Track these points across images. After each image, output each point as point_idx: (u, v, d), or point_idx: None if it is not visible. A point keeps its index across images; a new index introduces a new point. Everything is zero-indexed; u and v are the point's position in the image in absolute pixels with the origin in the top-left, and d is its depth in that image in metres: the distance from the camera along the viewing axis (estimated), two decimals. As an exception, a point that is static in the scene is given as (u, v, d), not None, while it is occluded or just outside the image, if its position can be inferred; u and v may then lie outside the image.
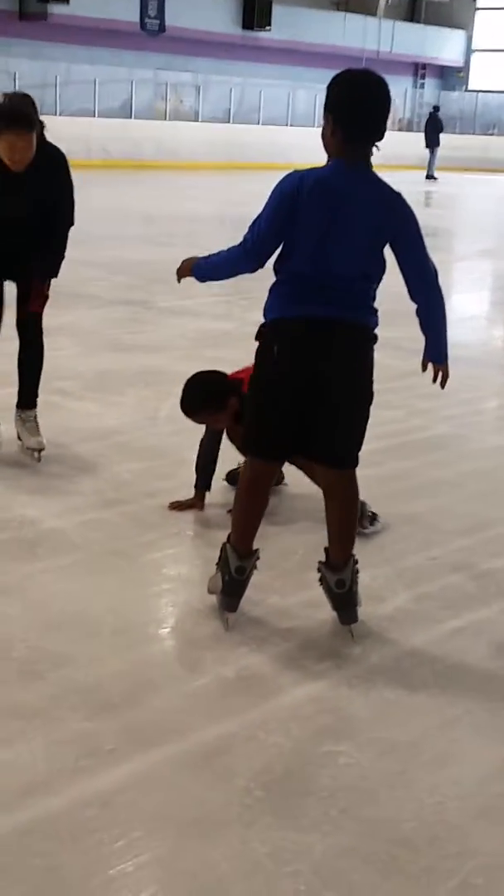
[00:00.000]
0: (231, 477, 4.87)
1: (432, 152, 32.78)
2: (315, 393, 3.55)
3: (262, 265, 3.61)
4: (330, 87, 3.55)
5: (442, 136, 32.37)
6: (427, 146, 32.77)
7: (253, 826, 2.72)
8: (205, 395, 4.69)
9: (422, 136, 33.05)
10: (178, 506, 4.76)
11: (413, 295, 3.71)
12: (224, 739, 3.09)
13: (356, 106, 3.51)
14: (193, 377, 4.80)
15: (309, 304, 3.51)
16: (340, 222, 3.48)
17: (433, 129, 32.60)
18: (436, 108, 33.87)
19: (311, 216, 3.46)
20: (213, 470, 4.76)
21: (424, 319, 3.78)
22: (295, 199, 3.47)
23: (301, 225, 3.47)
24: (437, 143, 32.65)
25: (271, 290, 3.62)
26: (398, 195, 3.58)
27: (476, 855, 2.66)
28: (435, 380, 3.84)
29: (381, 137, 3.53)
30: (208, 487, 4.77)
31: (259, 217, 3.57)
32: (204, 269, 3.80)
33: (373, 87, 3.52)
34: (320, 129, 3.61)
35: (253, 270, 3.64)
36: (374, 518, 4.64)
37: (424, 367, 3.87)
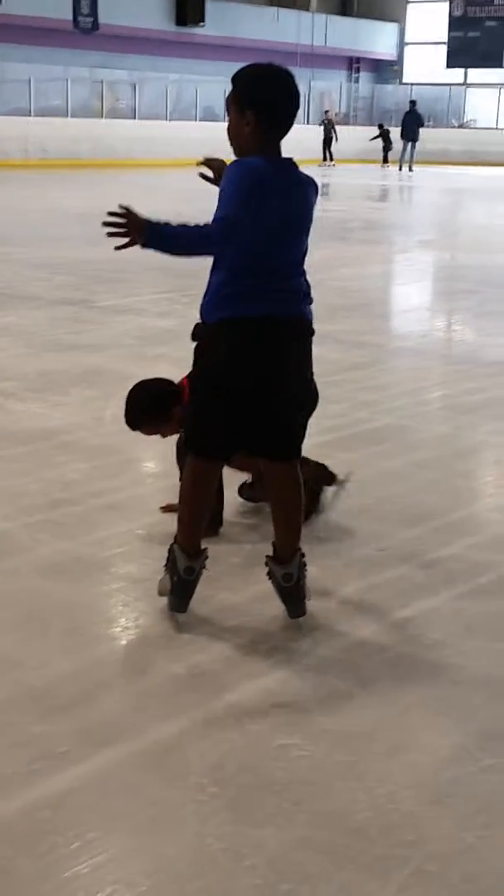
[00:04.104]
0: (242, 490, 4.74)
1: (413, 146, 33.20)
2: (263, 391, 3.56)
3: (230, 245, 3.47)
4: (246, 83, 3.54)
5: (372, 130, 32.89)
6: (405, 139, 33.17)
7: (208, 822, 2.73)
8: (145, 409, 4.54)
9: (357, 129, 33.39)
10: (169, 508, 4.51)
11: None
12: (177, 737, 3.08)
13: (280, 101, 3.54)
14: (133, 390, 4.62)
15: (262, 301, 3.51)
16: (290, 212, 3.52)
17: (413, 122, 32.99)
18: (413, 103, 34.22)
19: (267, 208, 3.45)
20: (221, 503, 4.51)
21: None
22: (260, 188, 3.44)
23: (258, 213, 3.43)
24: (417, 137, 33.09)
25: (217, 287, 3.55)
26: (315, 183, 3.68)
27: (429, 842, 2.68)
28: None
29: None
30: (220, 520, 4.51)
31: (229, 204, 3.41)
32: (161, 234, 3.38)
33: (291, 81, 3.57)
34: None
35: (213, 254, 3.53)
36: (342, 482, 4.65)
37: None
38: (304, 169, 3.68)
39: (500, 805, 2.85)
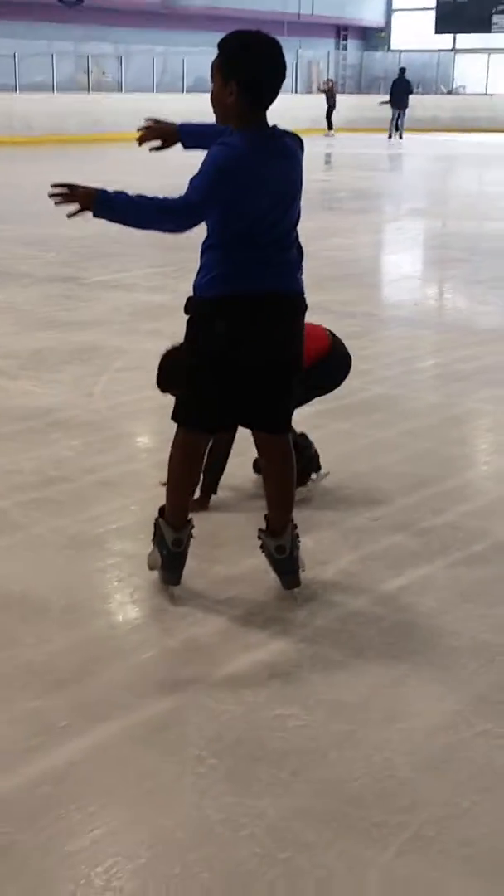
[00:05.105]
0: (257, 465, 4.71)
1: (402, 114, 33.08)
2: (258, 366, 3.57)
3: (190, 228, 3.48)
4: (231, 53, 3.50)
5: (367, 98, 32.60)
6: (394, 106, 33.02)
7: (207, 794, 2.75)
8: (178, 372, 4.53)
9: (346, 97, 33.15)
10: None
11: None
12: (174, 710, 3.11)
13: (264, 72, 3.49)
14: (166, 355, 4.53)
15: (257, 277, 3.51)
16: (280, 186, 3.50)
17: (403, 90, 32.83)
18: (402, 70, 34.02)
19: (255, 189, 3.43)
20: (221, 473, 4.55)
21: None
22: (238, 173, 3.40)
23: (248, 195, 3.42)
24: (406, 105, 32.97)
25: (212, 264, 3.54)
26: (300, 139, 3.65)
27: (426, 807, 2.71)
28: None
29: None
30: (214, 490, 4.55)
31: (199, 187, 3.40)
32: (114, 203, 3.37)
33: (276, 51, 3.51)
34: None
35: (179, 231, 3.49)
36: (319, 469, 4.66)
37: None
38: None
39: (494, 770, 2.88)
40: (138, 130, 3.93)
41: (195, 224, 3.47)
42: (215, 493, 4.53)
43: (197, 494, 4.12)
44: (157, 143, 3.96)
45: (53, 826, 2.62)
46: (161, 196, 3.41)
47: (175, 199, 3.39)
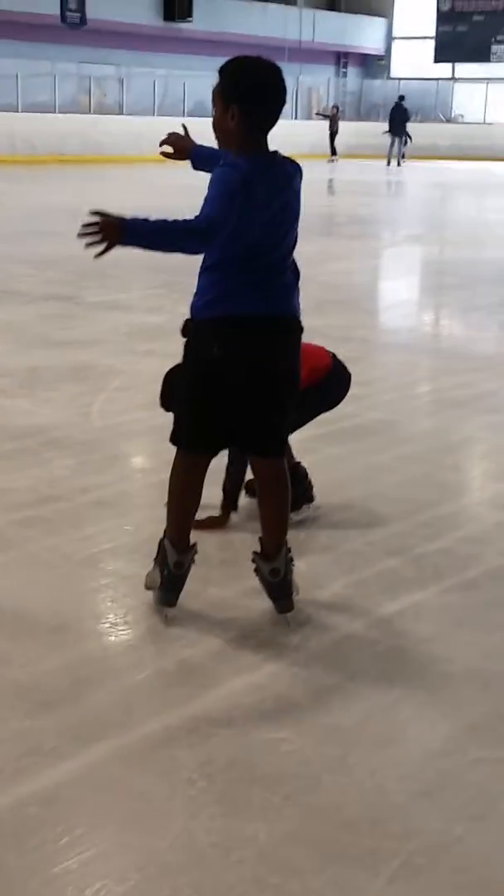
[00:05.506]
0: (249, 488, 4.62)
1: (400, 141, 33.39)
2: (254, 388, 3.57)
3: (209, 248, 3.47)
4: (232, 77, 3.51)
5: (366, 125, 32.88)
6: (393, 134, 33.31)
7: (197, 817, 2.73)
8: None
9: (347, 124, 33.40)
10: (199, 524, 4.06)
11: None
12: (166, 732, 3.08)
13: (265, 97, 3.50)
14: (170, 373, 4.49)
15: (255, 300, 3.52)
16: (280, 210, 3.52)
17: (400, 118, 33.16)
18: (401, 98, 34.31)
19: (257, 211, 3.43)
20: (240, 489, 4.54)
21: None
22: (246, 192, 3.39)
23: (250, 216, 3.42)
24: (404, 132, 33.30)
25: (209, 286, 3.55)
26: (299, 166, 3.66)
27: (418, 835, 2.69)
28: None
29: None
30: (234, 508, 4.54)
31: (214, 205, 3.38)
32: (139, 231, 3.32)
33: (277, 75, 3.53)
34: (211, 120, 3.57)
35: (199, 252, 3.50)
36: (311, 500, 4.65)
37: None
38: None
39: (488, 798, 2.86)
40: (168, 135, 4.04)
41: (219, 239, 3.43)
42: (235, 510, 4.53)
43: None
44: (170, 149, 4.04)
45: (41, 848, 2.60)
46: (171, 218, 3.37)
47: (195, 220, 3.37)
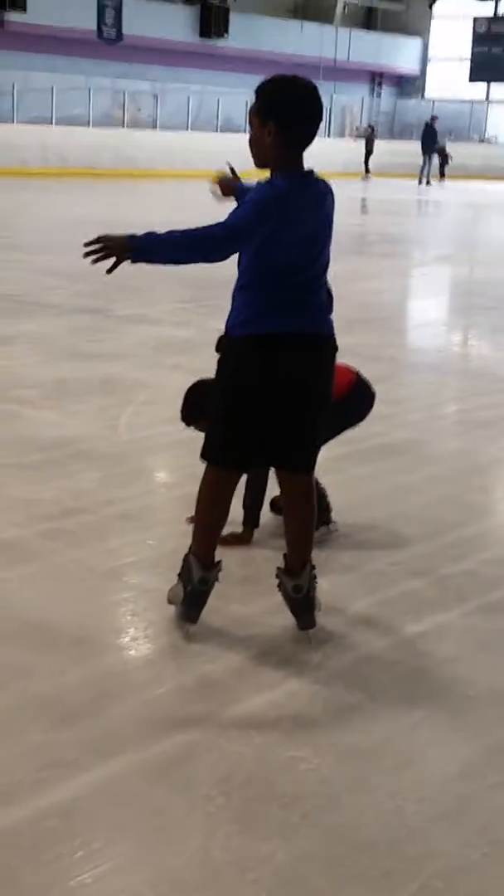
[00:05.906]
0: (275, 505, 4.63)
1: (429, 160, 33.78)
2: (286, 405, 3.59)
3: (227, 257, 3.47)
4: (269, 95, 3.54)
5: (400, 144, 33.15)
6: (424, 153, 34.12)
7: (214, 834, 2.72)
8: (202, 407, 4.53)
9: (380, 143, 33.72)
10: (222, 541, 3.95)
11: None
12: (185, 748, 3.08)
13: (302, 115, 3.53)
14: (192, 388, 4.54)
15: (290, 318, 3.53)
16: (315, 228, 3.55)
17: (430, 138, 33.45)
18: (433, 118, 34.62)
19: (293, 228, 3.46)
20: (261, 506, 4.54)
21: None
22: (282, 210, 3.43)
23: (285, 234, 3.45)
24: (433, 152, 33.64)
25: (246, 303, 3.57)
26: (330, 186, 3.68)
27: (436, 857, 2.67)
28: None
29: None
30: (256, 524, 4.53)
31: (243, 216, 3.43)
32: (148, 245, 3.34)
33: (314, 94, 3.56)
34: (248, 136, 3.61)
35: (217, 259, 3.45)
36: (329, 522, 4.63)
37: None
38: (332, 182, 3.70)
39: (507, 823, 2.83)
40: (218, 172, 4.21)
41: (234, 252, 3.47)
42: (257, 526, 4.52)
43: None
44: (219, 190, 4.17)
45: (58, 861, 2.60)
46: (192, 227, 3.41)
47: (214, 226, 3.39)
